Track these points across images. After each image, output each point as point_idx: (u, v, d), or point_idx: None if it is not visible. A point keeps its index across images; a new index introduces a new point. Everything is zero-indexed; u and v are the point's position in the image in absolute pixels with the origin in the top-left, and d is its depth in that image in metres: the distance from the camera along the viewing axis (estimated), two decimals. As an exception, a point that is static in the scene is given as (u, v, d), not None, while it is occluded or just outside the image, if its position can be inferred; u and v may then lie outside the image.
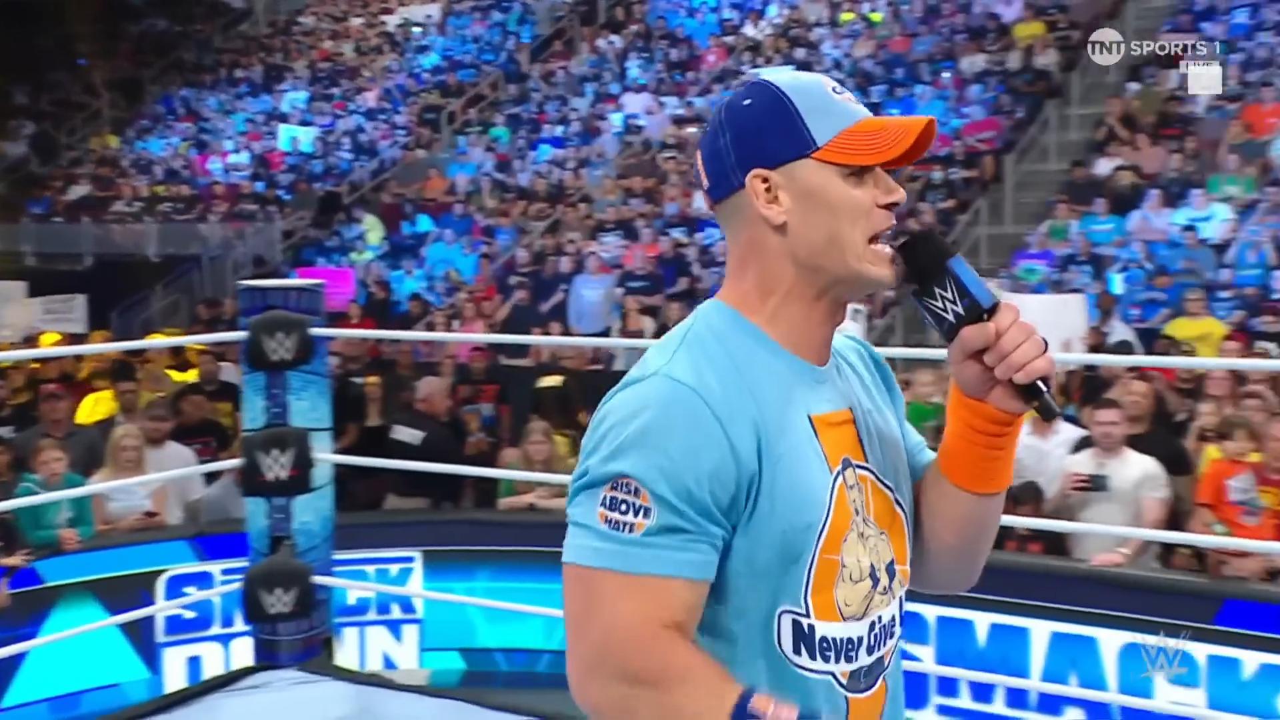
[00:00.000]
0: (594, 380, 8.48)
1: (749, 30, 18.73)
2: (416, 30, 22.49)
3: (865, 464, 1.55)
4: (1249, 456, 5.61)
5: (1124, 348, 9.30)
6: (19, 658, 5.26)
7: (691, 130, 16.16)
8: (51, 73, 24.58)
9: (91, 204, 20.11)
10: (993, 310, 1.45)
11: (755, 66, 17.39)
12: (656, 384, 1.42)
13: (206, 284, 16.87)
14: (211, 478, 6.71)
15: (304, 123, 20.50)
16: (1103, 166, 13.26)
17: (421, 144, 18.97)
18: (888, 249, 1.49)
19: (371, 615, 6.52)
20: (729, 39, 18.70)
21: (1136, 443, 5.80)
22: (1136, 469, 5.60)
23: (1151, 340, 9.76)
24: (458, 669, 6.63)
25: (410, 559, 6.54)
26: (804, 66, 16.94)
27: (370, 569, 6.39)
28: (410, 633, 6.63)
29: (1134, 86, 14.27)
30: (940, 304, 1.47)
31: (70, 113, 23.96)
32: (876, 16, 17.50)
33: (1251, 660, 4.37)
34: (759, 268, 1.51)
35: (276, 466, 4.31)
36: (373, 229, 16.33)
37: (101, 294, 15.36)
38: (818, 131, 1.48)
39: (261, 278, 15.57)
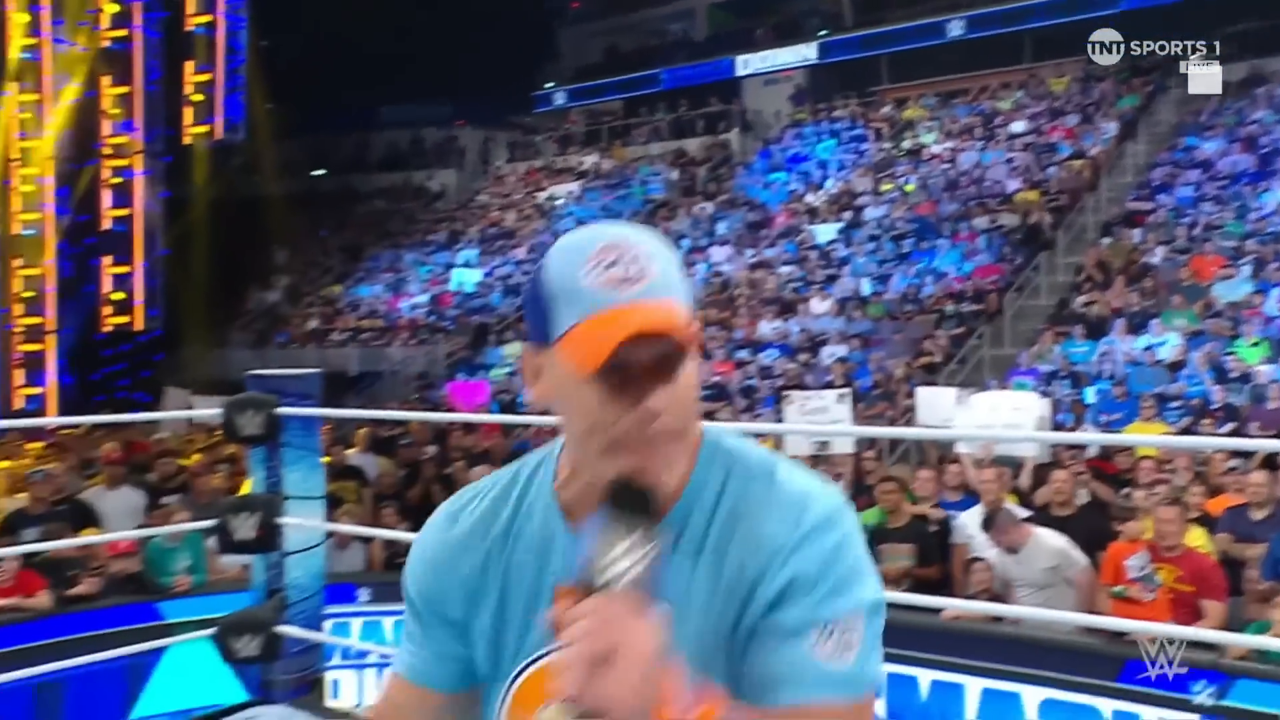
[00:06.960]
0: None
1: (810, 198, 19.27)
2: (559, 202, 23.66)
3: None
4: (1144, 535, 5.32)
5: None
6: (145, 679, 5.29)
7: (759, 274, 16.67)
8: (302, 241, 26.52)
9: (317, 334, 21.59)
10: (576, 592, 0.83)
11: (812, 224, 17.89)
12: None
13: (386, 393, 17.81)
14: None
15: (468, 267, 21.67)
16: (1081, 302, 13.28)
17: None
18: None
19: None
20: (794, 204, 19.27)
21: (1064, 523, 5.66)
22: (1046, 550, 5.35)
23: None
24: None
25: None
26: (851, 226, 17.38)
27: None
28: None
29: (1106, 241, 14.36)
30: None
31: (312, 269, 25.76)
32: (910, 187, 17.92)
33: (1150, 715, 4.11)
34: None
35: (244, 528, 4.02)
36: (513, 352, 17.13)
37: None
38: (557, 318, 1.01)
39: (423, 390, 16.56)
